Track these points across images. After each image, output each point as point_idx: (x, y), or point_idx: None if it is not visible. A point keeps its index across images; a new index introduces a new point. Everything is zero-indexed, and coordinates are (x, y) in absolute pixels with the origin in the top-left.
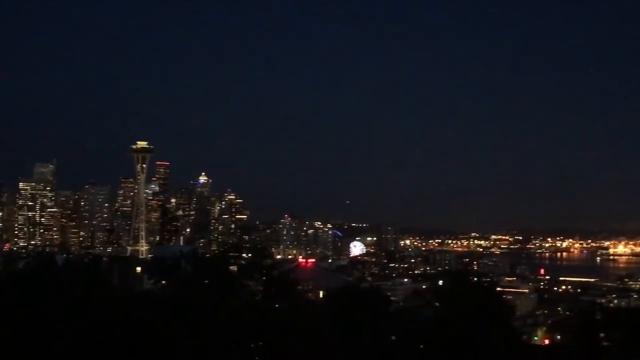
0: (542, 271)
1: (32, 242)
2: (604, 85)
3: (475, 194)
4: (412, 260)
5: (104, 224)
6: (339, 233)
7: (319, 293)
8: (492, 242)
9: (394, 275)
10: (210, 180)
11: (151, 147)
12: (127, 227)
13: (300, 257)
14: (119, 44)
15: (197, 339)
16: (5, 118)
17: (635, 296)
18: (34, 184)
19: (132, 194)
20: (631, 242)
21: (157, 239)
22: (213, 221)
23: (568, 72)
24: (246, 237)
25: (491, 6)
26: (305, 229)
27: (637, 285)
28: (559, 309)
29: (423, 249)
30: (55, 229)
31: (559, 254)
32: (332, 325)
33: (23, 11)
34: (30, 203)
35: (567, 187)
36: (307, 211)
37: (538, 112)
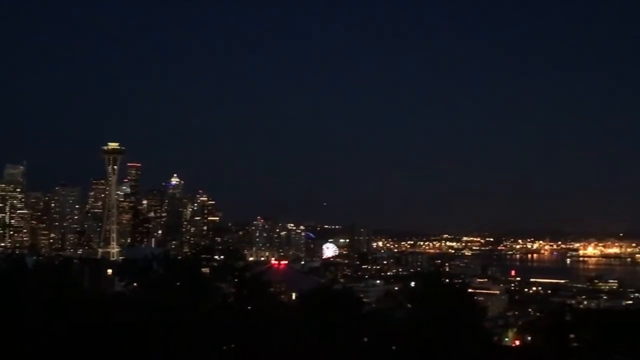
0: (513, 272)
1: (2, 244)
2: (576, 87)
3: (447, 196)
4: (385, 262)
5: (75, 225)
6: (311, 235)
7: (291, 295)
8: (463, 244)
9: (366, 276)
10: (182, 182)
11: (122, 148)
12: (98, 229)
13: (273, 258)
14: (91, 44)
15: (169, 341)
16: None
17: (604, 297)
18: (3, 185)
19: (103, 195)
20: (601, 244)
21: (129, 240)
22: (185, 223)
23: (551, 72)
24: (218, 239)
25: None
26: (278, 230)
27: (607, 287)
28: (530, 310)
29: (395, 250)
30: (25, 230)
31: (529, 256)
32: (305, 326)
33: None
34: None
35: (538, 190)
36: (280, 213)
37: (507, 115)
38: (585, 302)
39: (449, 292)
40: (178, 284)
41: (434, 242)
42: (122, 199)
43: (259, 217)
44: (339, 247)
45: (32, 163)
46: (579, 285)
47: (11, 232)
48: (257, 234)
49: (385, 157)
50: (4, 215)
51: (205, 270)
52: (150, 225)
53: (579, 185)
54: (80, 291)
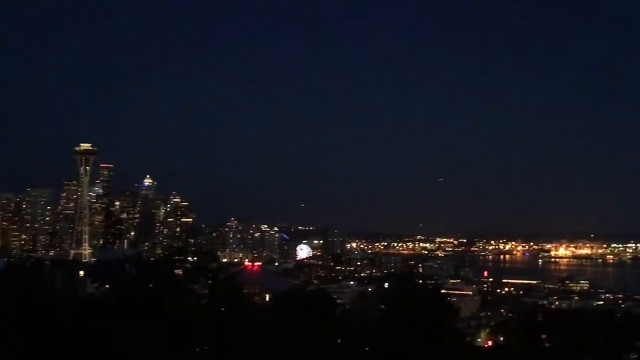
0: (485, 274)
1: None
2: (543, 88)
3: (421, 197)
4: (359, 264)
5: (47, 227)
6: (285, 236)
7: (265, 296)
8: (437, 245)
9: (340, 278)
10: (156, 183)
11: (95, 149)
12: (71, 231)
13: (247, 260)
14: (63, 43)
15: (142, 344)
16: None
17: (576, 298)
18: None
19: (75, 196)
20: (572, 245)
21: (101, 242)
22: (158, 224)
23: (517, 75)
24: (192, 241)
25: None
26: (252, 232)
27: (578, 288)
28: (502, 311)
29: (369, 252)
30: None
31: (502, 257)
32: (279, 328)
33: None
34: None
35: (510, 191)
36: (254, 214)
37: (478, 118)
38: (557, 303)
39: (423, 293)
40: (151, 285)
41: (408, 244)
42: (95, 201)
43: (232, 219)
44: (313, 248)
45: (3, 164)
46: (550, 286)
47: None
48: (231, 236)
49: (359, 159)
50: None
51: (179, 272)
52: (123, 227)
53: (551, 187)
54: (53, 293)
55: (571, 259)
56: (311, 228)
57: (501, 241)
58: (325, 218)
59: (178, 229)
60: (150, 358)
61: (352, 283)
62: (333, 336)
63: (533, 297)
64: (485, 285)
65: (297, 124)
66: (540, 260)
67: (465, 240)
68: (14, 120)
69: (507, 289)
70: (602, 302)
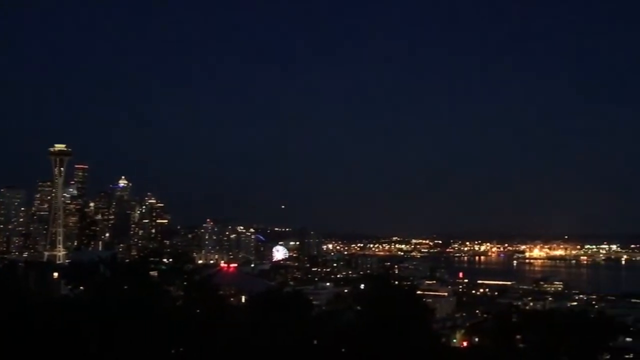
0: (460, 274)
1: None
2: (522, 89)
3: (396, 198)
4: (335, 265)
5: (20, 228)
6: (261, 237)
7: (241, 298)
8: (412, 246)
9: (316, 279)
10: (131, 184)
11: (69, 149)
12: (44, 232)
13: (222, 261)
14: (37, 42)
15: (116, 345)
16: None
17: (550, 299)
18: None
19: (49, 197)
20: (546, 246)
21: (75, 243)
22: (133, 225)
23: (494, 74)
24: (167, 242)
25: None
26: (227, 233)
27: (552, 288)
28: (477, 311)
29: (345, 253)
30: None
31: (477, 258)
32: (254, 329)
33: None
34: None
35: (485, 192)
36: (230, 215)
37: (452, 119)
38: (531, 304)
39: (398, 294)
40: (125, 287)
41: (384, 245)
42: (69, 201)
43: (208, 220)
44: (289, 249)
45: None
46: (525, 287)
47: None
48: (207, 237)
49: (335, 160)
50: None
51: (154, 273)
52: (98, 228)
53: (525, 188)
54: (26, 294)
55: (545, 260)
56: (287, 229)
57: (476, 242)
58: (301, 219)
59: (153, 230)
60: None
61: (327, 284)
62: (309, 337)
63: (507, 297)
64: (460, 286)
65: (270, 126)
66: (515, 261)
67: (440, 242)
68: None
69: (481, 290)
70: (575, 303)
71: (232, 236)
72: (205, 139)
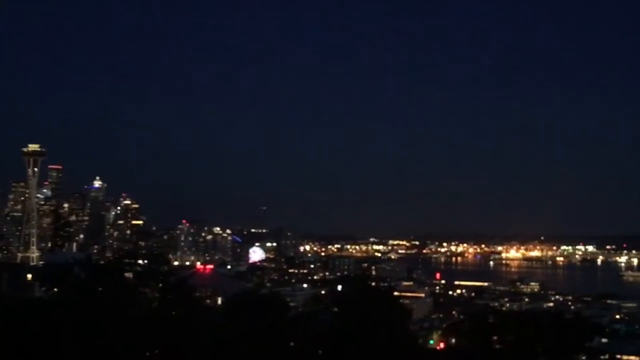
0: (437, 275)
1: None
2: (496, 90)
3: (373, 199)
4: (312, 266)
5: None
6: (238, 239)
7: (217, 299)
8: (389, 247)
9: (293, 281)
10: (105, 185)
11: (43, 150)
12: (18, 233)
13: (199, 263)
14: (10, 41)
15: (91, 348)
16: None
17: (526, 300)
18: None
19: (22, 198)
20: (523, 247)
21: (49, 245)
22: (108, 227)
23: (467, 75)
24: (142, 243)
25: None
26: (203, 234)
27: (528, 289)
28: (454, 312)
29: (322, 254)
30: None
31: (454, 259)
32: (230, 331)
33: None
34: None
35: (462, 193)
36: (206, 216)
37: (429, 119)
38: (508, 304)
39: (375, 296)
40: (100, 289)
41: (361, 246)
42: (43, 202)
43: (184, 221)
44: (265, 251)
45: None
46: (501, 288)
47: None
48: (182, 238)
49: (310, 161)
50: None
51: (129, 275)
52: (72, 229)
53: (502, 190)
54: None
55: (521, 261)
56: (264, 230)
57: (453, 243)
58: (278, 220)
59: (128, 232)
60: None
61: (304, 285)
62: (285, 339)
63: (484, 298)
64: (437, 287)
65: (245, 126)
66: (491, 262)
67: (417, 243)
68: None
69: (458, 291)
70: (551, 304)
71: (208, 237)
72: (182, 140)
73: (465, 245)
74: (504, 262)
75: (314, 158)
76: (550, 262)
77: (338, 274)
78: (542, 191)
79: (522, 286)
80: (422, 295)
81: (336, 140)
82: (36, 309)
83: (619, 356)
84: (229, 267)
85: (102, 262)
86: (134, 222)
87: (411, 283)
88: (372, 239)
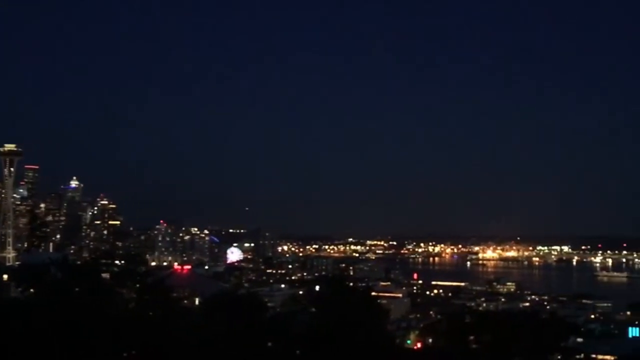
0: (415, 276)
1: None
2: (479, 90)
3: (351, 200)
4: (290, 266)
5: None
6: (216, 239)
7: (194, 300)
8: (367, 248)
9: (271, 281)
10: (82, 185)
11: (20, 150)
12: None
13: (176, 263)
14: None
15: (67, 349)
16: None
17: (502, 299)
18: None
19: None
20: (499, 248)
21: (26, 245)
22: (85, 227)
23: (453, 76)
24: (119, 244)
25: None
26: (181, 235)
27: (505, 289)
28: (431, 312)
29: (300, 254)
30: None
31: (431, 259)
32: (208, 332)
33: None
34: None
35: (439, 195)
36: (183, 217)
37: (409, 120)
38: (485, 304)
39: (353, 296)
40: (77, 289)
41: (339, 246)
42: (19, 202)
43: (161, 221)
44: (243, 251)
45: None
46: (478, 288)
47: None
48: (160, 239)
49: (289, 161)
50: None
51: (106, 275)
52: (48, 229)
53: (479, 190)
54: None
55: (498, 261)
56: (242, 231)
57: (430, 244)
58: (256, 220)
59: (105, 232)
60: None
61: (282, 286)
62: (263, 339)
63: (461, 298)
64: (415, 287)
65: (225, 127)
66: (468, 263)
67: (395, 243)
68: None
69: (435, 291)
70: (527, 304)
71: (186, 238)
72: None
73: (442, 245)
74: (480, 262)
75: (292, 159)
76: (526, 263)
77: (316, 274)
78: (519, 192)
79: (498, 286)
80: (400, 295)
81: (315, 142)
82: (13, 310)
83: (594, 355)
84: (206, 267)
85: (78, 262)
86: (111, 222)
87: (389, 283)
88: (350, 239)
